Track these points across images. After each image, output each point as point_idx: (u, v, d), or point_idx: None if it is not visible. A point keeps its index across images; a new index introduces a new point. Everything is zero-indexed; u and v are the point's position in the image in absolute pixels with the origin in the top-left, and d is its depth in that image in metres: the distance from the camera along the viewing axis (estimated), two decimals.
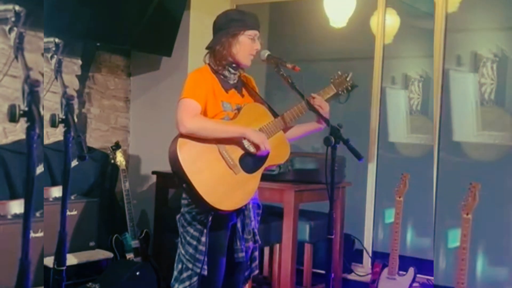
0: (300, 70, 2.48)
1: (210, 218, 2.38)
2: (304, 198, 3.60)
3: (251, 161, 2.45)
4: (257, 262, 2.65)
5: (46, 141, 3.74)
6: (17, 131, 3.50)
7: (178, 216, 2.51)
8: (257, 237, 2.61)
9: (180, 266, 2.48)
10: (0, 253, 2.80)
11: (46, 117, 1.81)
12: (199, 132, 2.35)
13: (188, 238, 2.44)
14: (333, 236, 2.39)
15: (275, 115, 2.55)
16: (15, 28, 1.73)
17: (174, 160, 2.33)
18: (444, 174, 3.62)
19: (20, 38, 1.69)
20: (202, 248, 2.41)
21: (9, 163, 3.40)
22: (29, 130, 1.41)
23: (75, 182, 3.58)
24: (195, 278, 2.44)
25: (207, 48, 2.55)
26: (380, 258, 3.70)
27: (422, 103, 4.56)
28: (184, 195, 2.48)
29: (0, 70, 2.82)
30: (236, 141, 2.42)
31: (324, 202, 3.05)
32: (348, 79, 2.64)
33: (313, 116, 2.58)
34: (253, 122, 2.46)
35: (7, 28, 1.76)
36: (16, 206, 3.06)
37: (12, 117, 1.43)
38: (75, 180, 3.71)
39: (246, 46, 2.48)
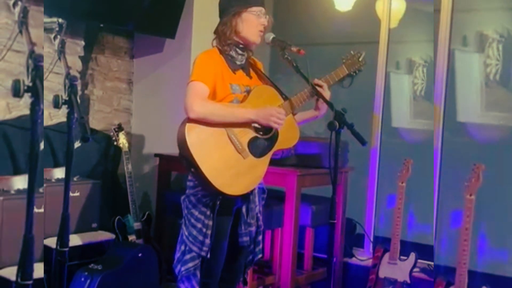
0: (305, 54, 2.45)
1: (218, 203, 2.38)
2: (306, 182, 3.59)
3: (260, 145, 2.44)
4: (260, 246, 2.65)
5: (49, 122, 3.72)
6: (21, 107, 3.46)
7: (183, 198, 2.50)
8: (260, 222, 2.61)
9: (183, 247, 2.48)
10: (4, 228, 2.81)
11: (49, 98, 1.80)
12: (208, 117, 2.33)
13: (192, 220, 2.44)
14: (335, 221, 2.38)
15: (284, 97, 2.52)
16: (19, 3, 1.72)
17: (182, 145, 2.32)
18: (447, 155, 3.59)
19: (24, 12, 1.68)
20: (207, 231, 2.40)
21: (12, 139, 3.39)
22: (34, 105, 1.40)
23: (77, 164, 3.58)
24: (197, 261, 2.45)
25: (214, 32, 2.52)
26: (382, 243, 3.70)
27: (426, 88, 4.53)
28: (190, 177, 2.47)
29: (4, 45, 2.79)
30: (245, 124, 2.41)
31: (326, 186, 3.03)
32: (360, 59, 2.60)
33: (310, 104, 2.56)
34: (262, 105, 2.43)
35: (11, 2, 1.75)
36: (19, 182, 3.06)
37: (16, 92, 1.42)
38: (78, 161, 3.71)
39: (252, 23, 2.45)
